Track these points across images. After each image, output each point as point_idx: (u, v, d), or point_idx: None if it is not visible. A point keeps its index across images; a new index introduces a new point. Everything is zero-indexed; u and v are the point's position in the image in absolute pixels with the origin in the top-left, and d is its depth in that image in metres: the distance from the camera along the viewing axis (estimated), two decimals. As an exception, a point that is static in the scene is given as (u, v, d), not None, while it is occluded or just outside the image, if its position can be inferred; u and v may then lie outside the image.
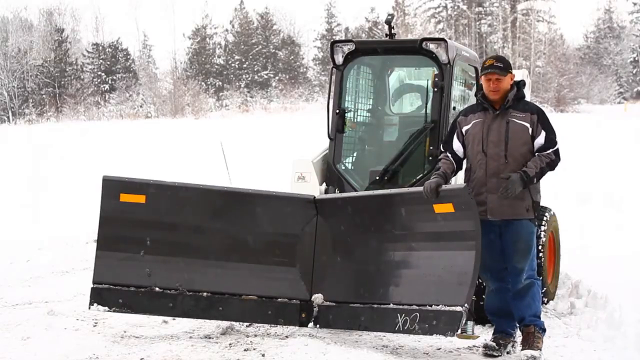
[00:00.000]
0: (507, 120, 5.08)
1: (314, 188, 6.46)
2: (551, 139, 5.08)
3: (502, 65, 5.10)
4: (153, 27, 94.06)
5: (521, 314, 5.13)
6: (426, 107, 6.59)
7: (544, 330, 5.14)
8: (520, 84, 5.20)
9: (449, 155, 5.29)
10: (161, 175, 6.73)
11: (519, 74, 7.50)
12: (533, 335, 5.05)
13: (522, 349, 5.06)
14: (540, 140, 5.06)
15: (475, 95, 5.28)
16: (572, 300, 6.51)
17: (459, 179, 5.80)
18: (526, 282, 5.10)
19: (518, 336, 5.26)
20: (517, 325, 5.22)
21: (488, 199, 5.04)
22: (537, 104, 6.13)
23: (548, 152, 5.05)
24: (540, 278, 5.44)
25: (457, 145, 5.28)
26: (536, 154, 5.08)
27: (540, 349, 5.01)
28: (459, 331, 4.78)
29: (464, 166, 5.35)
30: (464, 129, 5.22)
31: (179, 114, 49.87)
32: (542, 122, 5.08)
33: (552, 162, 5.07)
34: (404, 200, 5.29)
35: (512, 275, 5.14)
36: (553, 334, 5.55)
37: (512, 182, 4.93)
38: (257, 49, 63.87)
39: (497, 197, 5.01)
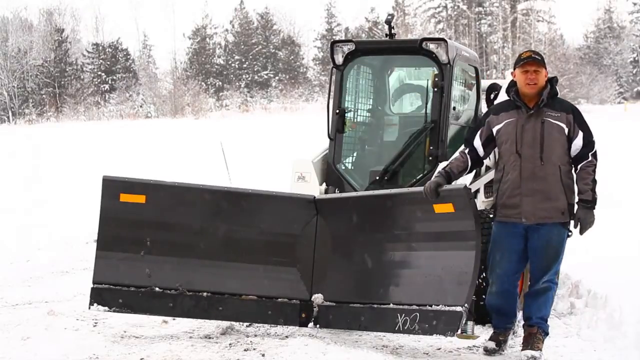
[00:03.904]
0: (542, 120, 4.93)
1: (314, 188, 6.46)
2: (589, 141, 4.96)
3: (539, 58, 5.00)
4: (153, 27, 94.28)
5: (530, 313, 5.07)
6: (426, 107, 6.58)
7: (546, 334, 5.10)
8: (554, 81, 5.06)
9: (467, 151, 5.17)
10: (161, 175, 6.73)
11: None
12: (535, 336, 5.02)
13: (522, 349, 5.04)
14: (578, 142, 4.94)
15: (507, 92, 5.11)
16: (572, 300, 6.50)
17: (467, 178, 5.74)
18: (544, 284, 5.03)
19: (519, 336, 5.25)
20: (521, 321, 5.18)
21: (523, 202, 4.93)
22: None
23: (588, 159, 4.94)
24: (558, 282, 5.33)
25: (477, 143, 5.14)
26: (579, 167, 4.96)
27: (541, 350, 4.99)
28: (459, 331, 4.77)
29: (485, 162, 5.22)
30: (495, 128, 5.07)
31: (179, 114, 49.89)
32: (579, 122, 4.96)
33: (595, 167, 4.97)
34: (404, 200, 5.28)
35: (533, 277, 5.07)
36: (553, 334, 5.54)
37: (584, 221, 4.89)
38: (257, 49, 63.88)
39: (532, 201, 4.90)
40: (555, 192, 4.92)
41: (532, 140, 4.93)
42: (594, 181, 4.95)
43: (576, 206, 4.99)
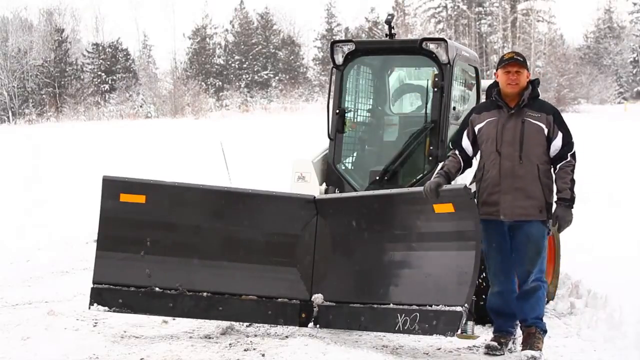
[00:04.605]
0: (522, 120, 5.01)
1: (314, 188, 6.46)
2: (569, 142, 5.04)
3: (521, 59, 5.08)
4: (153, 27, 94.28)
5: (524, 315, 5.10)
6: (426, 107, 6.59)
7: (545, 331, 5.11)
8: (535, 83, 5.15)
9: (457, 152, 5.26)
10: (161, 175, 6.73)
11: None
12: (534, 336, 5.03)
13: (522, 349, 5.04)
14: (557, 142, 5.01)
15: (490, 92, 5.20)
16: (572, 300, 6.51)
17: (466, 178, 5.76)
18: (532, 284, 5.05)
19: (518, 336, 5.26)
20: (519, 324, 5.21)
21: (501, 199, 5.00)
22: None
23: (567, 159, 5.01)
24: (547, 281, 5.39)
25: (466, 143, 5.23)
26: (558, 167, 5.03)
27: (541, 350, 5.00)
28: (459, 331, 4.77)
29: (474, 164, 5.32)
30: (477, 127, 5.17)
31: (179, 114, 49.88)
32: (559, 123, 5.04)
33: (574, 168, 5.04)
34: (404, 200, 5.29)
35: (519, 276, 5.12)
36: (553, 334, 5.55)
37: (562, 219, 4.94)
38: (257, 49, 63.87)
39: (511, 198, 4.97)
40: (534, 190, 4.99)
41: (512, 139, 5.01)
42: (573, 181, 5.02)
43: (554, 205, 5.06)
